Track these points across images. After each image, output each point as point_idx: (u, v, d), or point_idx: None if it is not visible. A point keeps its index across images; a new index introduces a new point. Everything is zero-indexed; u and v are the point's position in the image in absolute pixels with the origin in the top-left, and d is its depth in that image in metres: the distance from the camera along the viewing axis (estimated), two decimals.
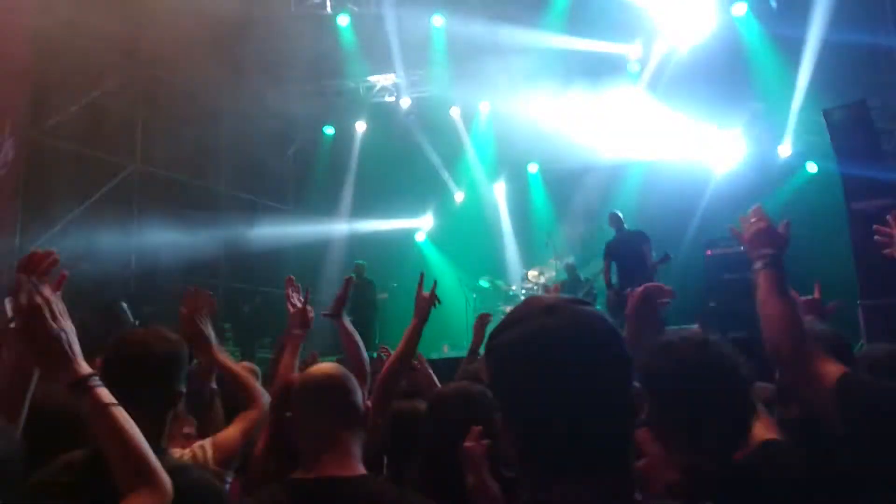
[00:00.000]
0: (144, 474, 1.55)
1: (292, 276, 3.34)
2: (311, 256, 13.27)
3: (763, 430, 2.11)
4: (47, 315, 1.59)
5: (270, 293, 11.87)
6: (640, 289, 2.41)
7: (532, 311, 1.09)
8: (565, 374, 1.03)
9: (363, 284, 11.30)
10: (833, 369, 1.84)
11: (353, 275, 11.24)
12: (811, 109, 10.38)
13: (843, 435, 1.76)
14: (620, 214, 9.76)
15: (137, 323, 5.83)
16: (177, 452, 2.30)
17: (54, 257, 1.96)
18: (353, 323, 3.43)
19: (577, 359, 1.04)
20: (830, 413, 1.79)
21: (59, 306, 1.64)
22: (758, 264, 2.09)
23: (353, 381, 2.13)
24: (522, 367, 1.06)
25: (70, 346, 1.59)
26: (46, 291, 1.63)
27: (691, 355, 1.88)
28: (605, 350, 1.06)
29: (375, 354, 5.48)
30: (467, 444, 2.16)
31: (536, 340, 1.05)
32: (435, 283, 3.51)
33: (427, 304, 3.35)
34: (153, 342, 2.09)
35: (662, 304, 2.38)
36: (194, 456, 2.36)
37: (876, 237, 2.68)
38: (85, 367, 1.60)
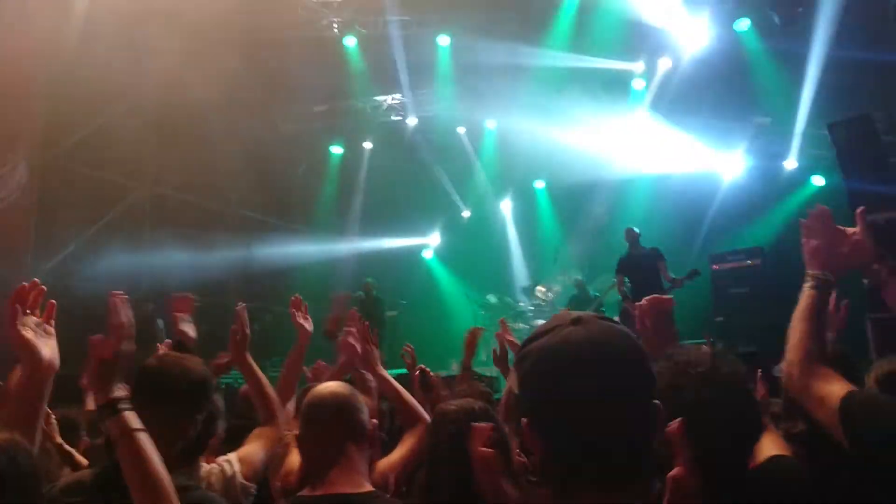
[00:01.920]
0: (160, 501, 1.64)
1: (299, 296, 3.43)
2: (319, 275, 13.32)
3: (771, 445, 2.14)
4: (125, 337, 1.72)
5: (280, 312, 11.90)
6: (644, 302, 2.43)
7: (561, 322, 1.14)
8: (590, 384, 1.08)
9: (372, 302, 11.34)
10: (838, 388, 1.86)
11: (361, 293, 11.39)
12: (816, 123, 10.41)
13: (848, 452, 1.78)
14: (637, 230, 9.77)
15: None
16: (205, 466, 2.33)
17: (40, 288, 2.05)
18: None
19: (602, 369, 1.08)
20: (836, 431, 1.81)
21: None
22: (807, 282, 2.04)
23: (360, 399, 2.16)
24: (549, 375, 1.11)
25: (121, 369, 1.70)
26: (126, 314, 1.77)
27: (696, 370, 1.92)
28: (629, 363, 1.11)
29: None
30: (481, 448, 2.16)
31: (564, 349, 1.10)
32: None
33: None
34: (187, 367, 2.13)
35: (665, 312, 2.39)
36: (223, 470, 2.39)
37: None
38: (118, 390, 1.67)
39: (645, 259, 9.35)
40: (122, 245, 9.75)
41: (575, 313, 1.16)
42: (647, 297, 2.44)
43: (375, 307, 11.39)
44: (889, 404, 1.83)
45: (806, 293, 2.03)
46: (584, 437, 1.08)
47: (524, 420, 1.15)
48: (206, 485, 2.29)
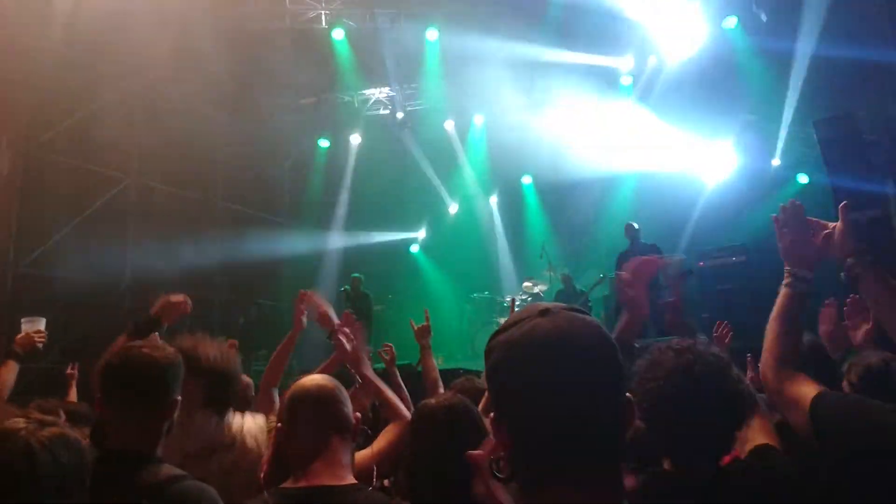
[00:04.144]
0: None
1: (305, 291, 3.54)
2: (306, 268, 13.28)
3: (759, 433, 2.16)
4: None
5: (265, 305, 11.87)
6: (625, 273, 2.47)
7: (528, 314, 1.11)
8: (555, 375, 1.04)
9: (359, 297, 11.31)
10: (808, 390, 1.87)
11: (347, 287, 11.35)
12: (802, 121, 10.49)
13: (819, 451, 1.80)
14: (637, 225, 9.80)
15: None
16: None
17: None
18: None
19: (568, 361, 1.05)
20: (807, 432, 1.83)
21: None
22: (785, 279, 2.06)
23: (343, 392, 2.17)
24: (514, 367, 1.08)
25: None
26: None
27: (672, 362, 1.93)
28: (596, 354, 1.07)
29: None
30: (471, 452, 2.16)
31: (529, 341, 1.07)
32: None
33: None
34: (152, 353, 2.16)
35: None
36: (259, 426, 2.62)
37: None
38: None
39: (645, 254, 9.35)
40: (106, 236, 9.67)
41: (543, 304, 1.12)
42: (630, 266, 2.47)
43: (363, 302, 11.36)
44: (856, 405, 1.85)
45: (781, 292, 2.06)
46: (551, 431, 1.04)
47: (491, 414, 1.12)
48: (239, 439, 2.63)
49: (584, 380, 1.04)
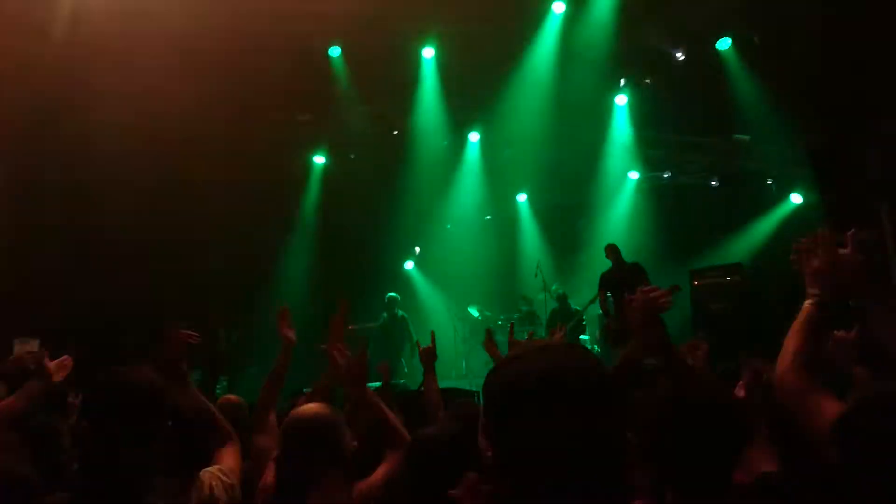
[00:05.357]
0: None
1: (285, 307, 3.44)
2: (298, 285, 13.24)
3: (761, 457, 2.13)
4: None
5: (255, 323, 11.78)
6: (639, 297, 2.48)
7: (525, 352, 1.14)
8: (550, 416, 1.05)
9: (395, 318, 11.52)
10: (831, 408, 1.86)
11: (384, 313, 11.51)
12: (795, 142, 10.54)
13: (839, 470, 1.77)
14: (618, 247, 9.86)
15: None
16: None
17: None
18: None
19: (562, 400, 1.06)
20: (826, 446, 1.80)
21: None
22: (808, 299, 2.10)
23: (341, 422, 2.14)
24: (509, 405, 1.10)
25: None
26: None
27: (666, 391, 1.92)
28: (590, 393, 1.08)
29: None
30: (453, 492, 2.12)
31: (524, 379, 1.09)
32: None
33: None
34: (137, 380, 2.10)
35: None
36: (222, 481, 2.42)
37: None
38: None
39: (627, 275, 9.43)
40: (96, 250, 9.62)
41: (542, 341, 1.17)
42: (644, 293, 2.49)
43: (399, 324, 11.56)
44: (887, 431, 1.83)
45: (805, 307, 2.08)
46: (545, 470, 1.05)
47: (489, 450, 1.14)
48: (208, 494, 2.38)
49: (578, 421, 1.05)
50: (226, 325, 11.03)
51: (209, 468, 2.48)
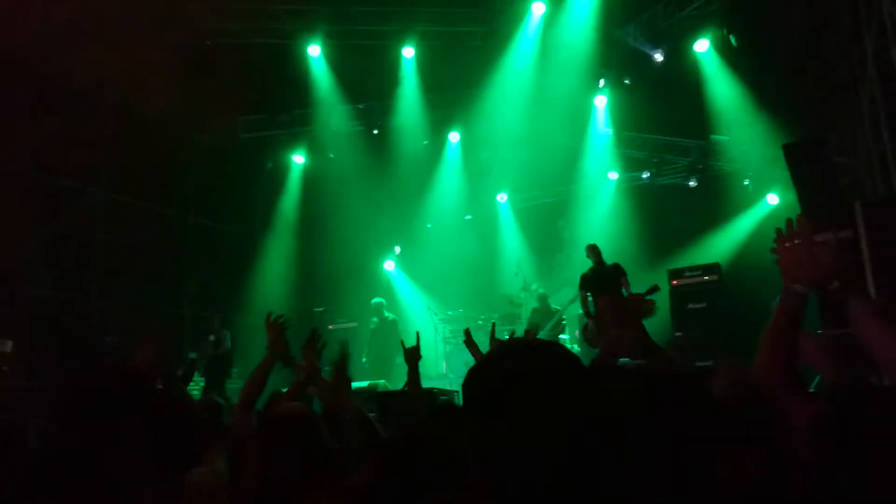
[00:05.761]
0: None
1: (272, 312, 3.48)
2: (279, 286, 13.17)
3: (741, 460, 2.14)
4: None
5: (240, 323, 11.71)
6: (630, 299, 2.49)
7: (502, 353, 1.14)
8: (525, 418, 1.06)
9: (385, 322, 11.50)
10: (806, 408, 1.87)
11: (375, 318, 11.47)
12: (772, 143, 10.67)
13: (817, 469, 1.78)
14: (598, 247, 9.90)
15: None
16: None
17: None
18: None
19: (537, 402, 1.06)
20: (803, 450, 1.82)
21: None
22: (783, 296, 2.08)
23: (321, 422, 2.14)
24: (486, 407, 1.10)
25: None
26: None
27: (633, 392, 1.92)
28: (566, 394, 1.08)
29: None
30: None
31: (499, 382, 1.09)
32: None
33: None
34: (111, 376, 2.07)
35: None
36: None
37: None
38: None
39: (607, 275, 9.48)
40: (74, 252, 9.49)
41: (519, 341, 1.17)
42: (633, 297, 2.50)
43: (390, 328, 11.51)
44: (866, 427, 1.85)
45: (780, 308, 2.07)
46: (521, 472, 1.05)
47: (468, 451, 1.14)
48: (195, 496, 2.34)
49: (551, 422, 1.06)
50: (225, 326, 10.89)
51: (197, 469, 2.47)
